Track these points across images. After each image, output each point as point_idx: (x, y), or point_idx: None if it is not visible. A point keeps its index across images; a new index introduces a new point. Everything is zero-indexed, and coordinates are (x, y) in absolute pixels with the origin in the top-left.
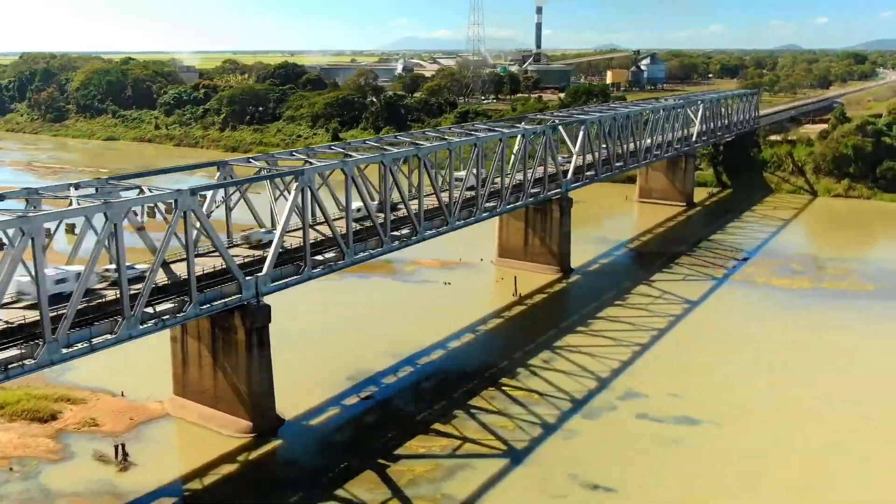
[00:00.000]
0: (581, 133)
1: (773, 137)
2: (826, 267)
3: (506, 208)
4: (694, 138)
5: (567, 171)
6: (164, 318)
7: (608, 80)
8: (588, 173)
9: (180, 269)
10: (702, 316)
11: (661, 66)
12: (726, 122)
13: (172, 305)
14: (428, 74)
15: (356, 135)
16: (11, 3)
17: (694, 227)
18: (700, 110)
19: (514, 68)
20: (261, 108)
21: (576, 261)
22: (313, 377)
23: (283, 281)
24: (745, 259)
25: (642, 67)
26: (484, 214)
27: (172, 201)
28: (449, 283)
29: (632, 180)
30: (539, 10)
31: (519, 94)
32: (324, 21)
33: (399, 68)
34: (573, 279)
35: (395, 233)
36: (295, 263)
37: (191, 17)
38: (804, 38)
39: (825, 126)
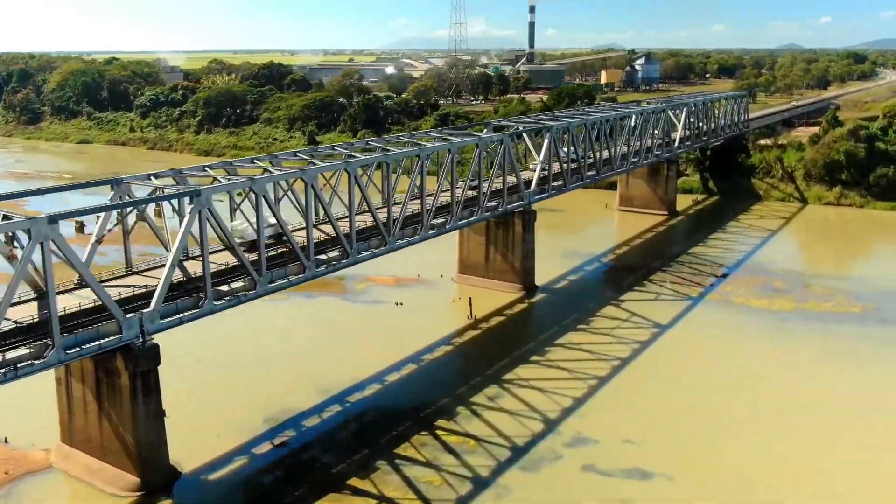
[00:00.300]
0: (546, 140)
1: (763, 141)
2: (811, 285)
3: (457, 224)
4: (676, 144)
5: (531, 181)
6: (19, 365)
7: (602, 81)
8: (556, 184)
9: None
10: (670, 343)
11: (656, 65)
12: (713, 126)
13: (28, 351)
14: (417, 75)
15: (333, 138)
16: (11, 2)
17: (674, 239)
18: (683, 114)
19: (506, 68)
20: (238, 110)
21: (543, 277)
22: (226, 419)
23: (177, 317)
24: (725, 276)
25: (637, 67)
26: (430, 232)
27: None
28: (401, 304)
29: (614, 187)
30: (532, 10)
31: (508, 95)
32: (324, 21)
33: (389, 68)
34: (537, 298)
35: (322, 256)
36: (196, 295)
37: (191, 17)
38: (806, 38)
39: (819, 129)
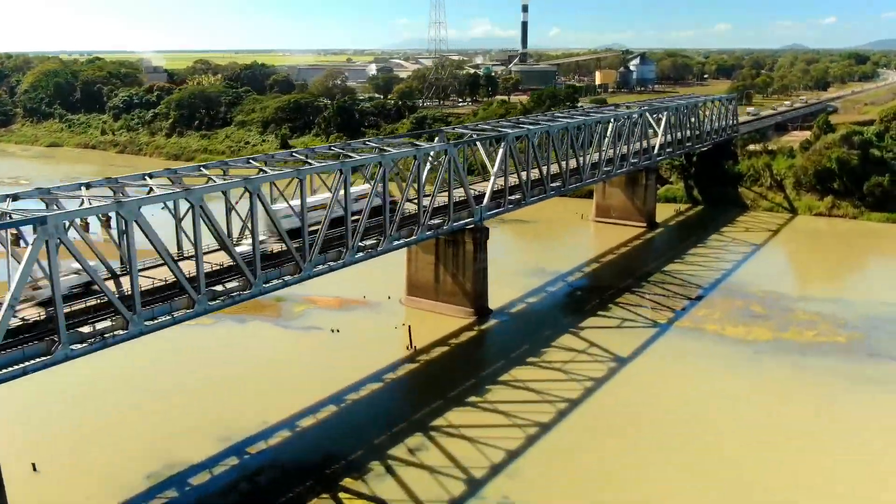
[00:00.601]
0: (501, 150)
1: (752, 147)
2: (794, 309)
3: (390, 246)
4: (656, 151)
5: (484, 195)
6: None
7: (597, 81)
8: (514, 197)
9: None
10: (626, 380)
11: (652, 66)
12: (698, 131)
13: None
14: (404, 76)
15: (307, 142)
16: (11, 2)
17: (650, 255)
18: (664, 119)
19: (499, 69)
20: (212, 113)
21: (500, 299)
22: (101, 475)
23: (21, 366)
24: (699, 298)
25: (631, 68)
26: (358, 255)
27: None
28: (337, 331)
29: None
30: (525, 9)
31: (497, 97)
32: (325, 21)
33: (373, 69)
34: (489, 325)
35: (218, 287)
36: (48, 339)
37: (191, 17)
38: (811, 38)
39: (811, 134)
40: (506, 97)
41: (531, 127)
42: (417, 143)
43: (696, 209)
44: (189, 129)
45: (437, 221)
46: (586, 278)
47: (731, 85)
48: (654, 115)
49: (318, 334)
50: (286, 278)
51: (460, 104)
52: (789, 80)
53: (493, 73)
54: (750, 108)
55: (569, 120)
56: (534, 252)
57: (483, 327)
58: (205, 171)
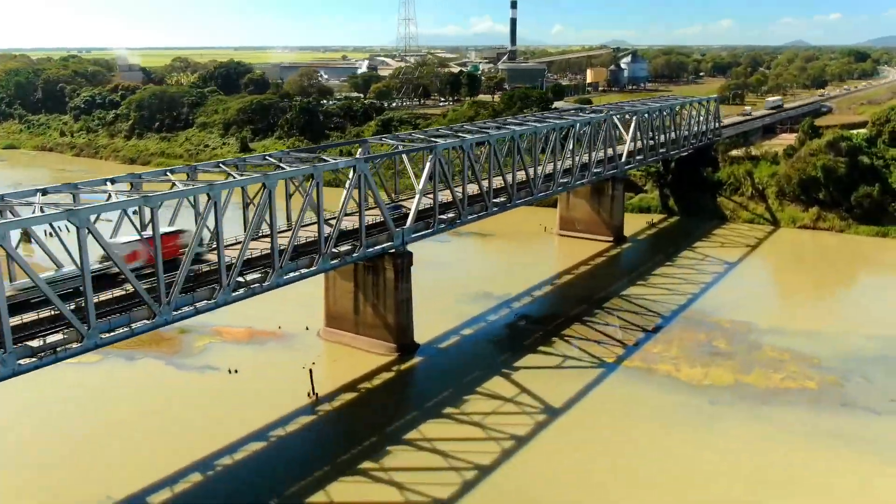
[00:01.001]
0: (428, 164)
1: (735, 152)
2: (762, 345)
3: (279, 281)
4: (623, 158)
5: (408, 215)
6: None
7: (588, 80)
8: (447, 216)
9: None
10: (552, 440)
11: (643, 64)
12: (674, 135)
13: None
14: (386, 74)
15: (268, 146)
16: (11, 2)
17: (611, 275)
18: (633, 123)
19: (486, 66)
20: (175, 114)
21: (433, 330)
22: None
23: None
24: (657, 329)
25: (622, 66)
26: (237, 293)
27: None
28: (235, 372)
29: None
30: (514, 5)
31: (480, 96)
32: (325, 20)
33: (364, 66)
34: (411, 363)
35: (54, 337)
36: None
37: (191, 17)
38: (814, 35)
39: (796, 139)
40: (489, 97)
41: (468, 137)
42: (325, 157)
43: (672, 220)
44: (150, 132)
45: (346, 248)
46: (536, 304)
47: (722, 83)
48: (625, 119)
49: (212, 376)
50: (134, 326)
51: (441, 104)
52: (785, 78)
53: (479, 72)
54: (747, 108)
55: (515, 127)
56: (484, 272)
57: (404, 367)
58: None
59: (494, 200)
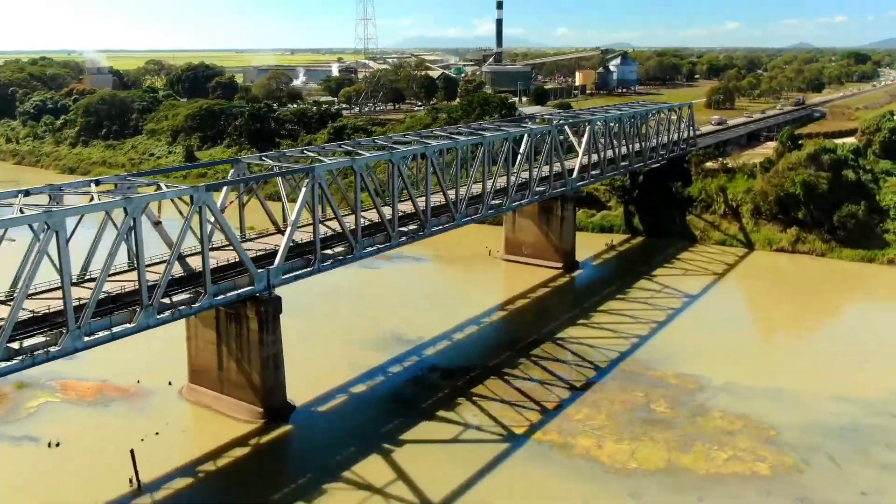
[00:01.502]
0: (304, 190)
1: (710, 164)
2: (709, 409)
3: (78, 345)
4: (575, 174)
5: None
6: None
7: (577, 82)
8: (338, 250)
9: None
10: None
11: (633, 66)
12: (638, 146)
13: None
14: (362, 76)
15: (216, 154)
16: (11, 2)
17: (550, 313)
18: (586, 135)
19: (471, 69)
20: (125, 119)
21: (318, 386)
22: None
23: None
24: (588, 385)
25: (611, 68)
26: (84, 340)
27: None
28: (58, 445)
29: None
30: (500, 5)
31: (458, 101)
32: (326, 21)
33: (335, 70)
34: (275, 434)
35: None
36: None
37: (190, 17)
38: (819, 37)
39: (773, 150)
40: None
41: (368, 154)
42: (169, 185)
43: (635, 242)
44: (97, 139)
45: (187, 296)
46: (453, 350)
47: (711, 87)
48: (577, 129)
49: (27, 451)
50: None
51: (418, 108)
52: (779, 81)
53: (462, 74)
54: (745, 115)
55: (431, 141)
56: (404, 306)
57: (264, 440)
58: None
59: (403, 229)
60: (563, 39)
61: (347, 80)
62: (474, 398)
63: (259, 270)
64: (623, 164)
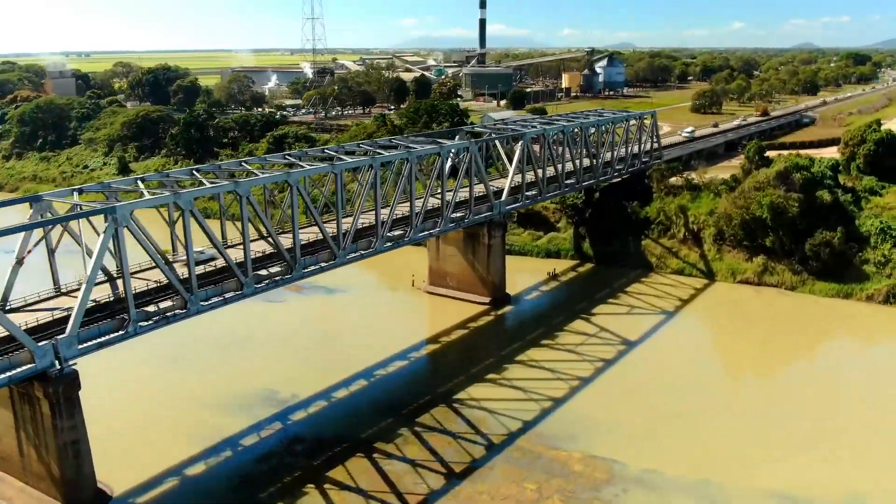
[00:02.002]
0: (102, 236)
1: (675, 180)
2: None
3: None
4: (504, 196)
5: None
6: None
7: (564, 84)
8: (162, 306)
9: None
10: None
11: (620, 68)
12: (588, 162)
13: None
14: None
15: (151, 166)
16: (11, 2)
17: (455, 364)
18: (518, 150)
19: (452, 70)
20: (62, 128)
21: (148, 467)
22: None
23: None
24: (469, 472)
25: (597, 70)
26: None
27: None
28: None
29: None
30: (483, 4)
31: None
32: (327, 21)
33: (307, 71)
34: None
35: None
36: None
37: (191, 17)
38: (823, 37)
39: (740, 168)
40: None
41: (223, 183)
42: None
43: (583, 270)
44: (32, 150)
45: None
46: (325, 415)
47: (697, 89)
48: (511, 145)
49: None
50: None
51: (390, 111)
52: (771, 83)
53: (443, 76)
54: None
55: (307, 165)
56: (287, 354)
57: None
58: None
59: (263, 275)
60: (567, 40)
61: (317, 83)
62: (328, 485)
63: (42, 344)
64: (569, 181)
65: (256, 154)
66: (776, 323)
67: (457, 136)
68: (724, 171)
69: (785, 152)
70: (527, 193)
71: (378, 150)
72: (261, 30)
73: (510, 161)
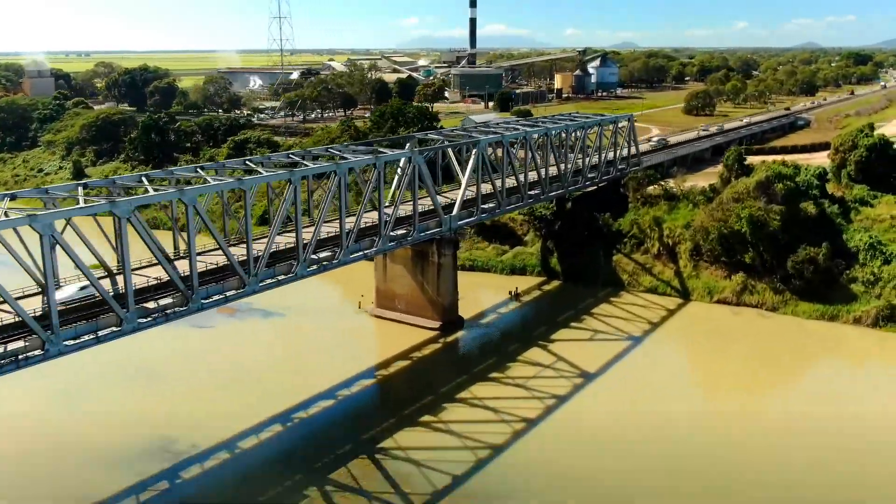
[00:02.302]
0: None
1: (652, 189)
2: None
3: None
4: (455, 211)
5: None
6: None
7: (556, 85)
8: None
9: None
10: None
11: (613, 68)
12: (554, 170)
13: None
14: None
15: (108, 171)
16: (11, 2)
17: (389, 403)
18: (471, 160)
19: (440, 72)
20: (23, 130)
21: None
22: None
23: None
24: None
25: (590, 71)
26: None
27: None
28: None
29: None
30: (473, 3)
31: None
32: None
33: (294, 73)
34: None
35: None
36: None
37: (191, 17)
38: (827, 37)
39: (719, 176)
40: (428, 105)
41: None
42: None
43: (548, 288)
44: None
45: None
46: (220, 473)
47: (690, 90)
48: (466, 153)
49: None
50: None
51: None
52: (767, 84)
53: (432, 77)
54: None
55: (224, 180)
56: (198, 391)
57: None
58: None
59: (175, 311)
60: (570, 40)
61: (297, 85)
62: None
63: None
64: (533, 192)
65: (217, 159)
66: (754, 350)
67: (407, 145)
68: (709, 177)
69: (777, 157)
70: (483, 206)
71: (304, 162)
72: (261, 30)
73: (463, 171)
